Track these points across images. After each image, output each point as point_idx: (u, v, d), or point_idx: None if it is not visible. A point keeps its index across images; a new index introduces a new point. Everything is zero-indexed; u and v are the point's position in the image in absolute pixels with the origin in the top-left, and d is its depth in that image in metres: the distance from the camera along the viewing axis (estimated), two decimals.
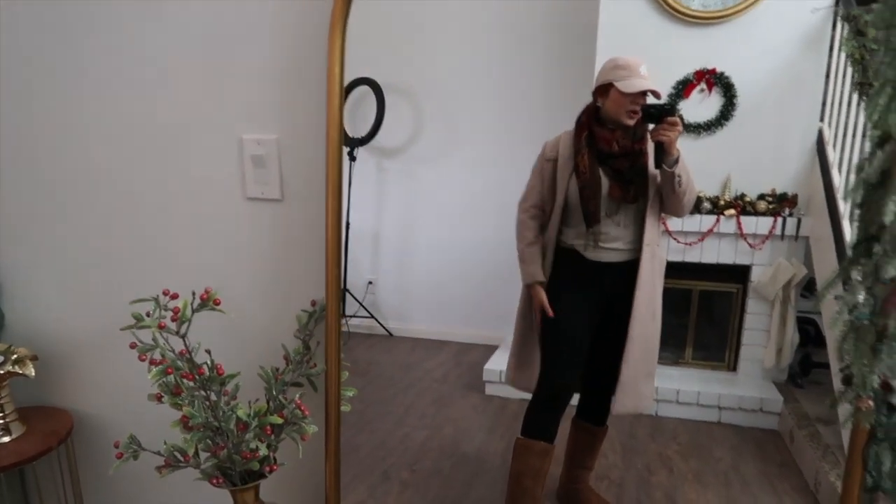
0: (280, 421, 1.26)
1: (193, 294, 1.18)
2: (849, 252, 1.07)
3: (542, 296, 2.01)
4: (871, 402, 1.05)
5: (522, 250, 2.08)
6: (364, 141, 3.42)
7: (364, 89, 3.34)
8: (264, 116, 1.37)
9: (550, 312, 1.98)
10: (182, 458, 1.23)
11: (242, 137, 1.39)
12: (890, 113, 0.97)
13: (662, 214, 2.04)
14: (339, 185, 1.24)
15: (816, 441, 2.49)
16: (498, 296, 3.28)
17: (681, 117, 2.98)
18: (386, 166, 3.91)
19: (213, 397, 1.25)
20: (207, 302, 1.18)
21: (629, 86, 1.85)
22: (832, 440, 2.46)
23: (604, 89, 1.90)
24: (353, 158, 3.46)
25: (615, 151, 1.90)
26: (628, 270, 1.95)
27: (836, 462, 2.30)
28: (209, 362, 1.23)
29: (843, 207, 2.51)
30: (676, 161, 1.84)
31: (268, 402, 1.30)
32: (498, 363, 3.22)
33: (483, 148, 3.54)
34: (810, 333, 3.14)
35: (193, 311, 1.19)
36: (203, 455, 1.27)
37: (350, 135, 3.39)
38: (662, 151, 1.83)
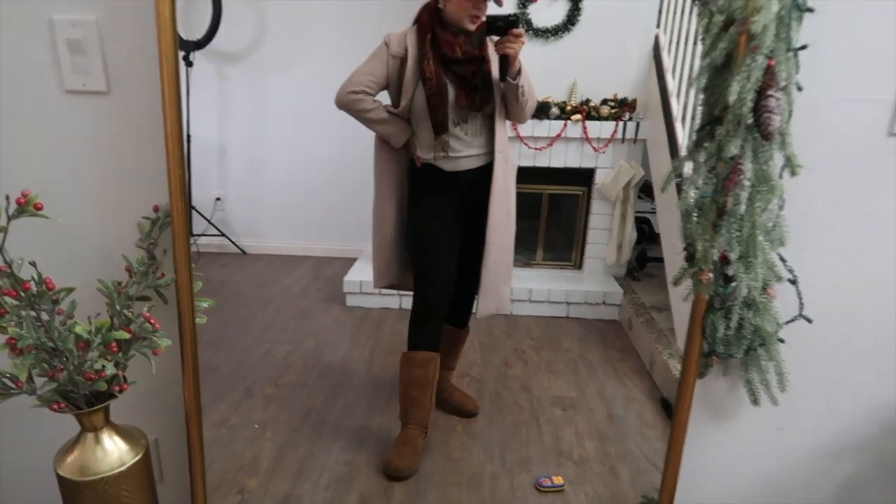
0: (127, 336, 1.15)
1: (7, 199, 1.02)
2: (694, 136, 1.13)
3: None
4: (710, 275, 1.14)
5: (371, 116, 1.88)
6: (200, 44, 3.11)
7: None
8: None
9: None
10: (13, 385, 1.10)
11: (53, 18, 1.19)
12: None
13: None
14: (176, 71, 1.10)
15: (651, 326, 2.74)
16: (355, 207, 3.22)
17: (529, 22, 3.02)
18: (228, 73, 3.63)
19: (46, 316, 1.11)
20: (26, 207, 1.02)
21: None
22: (665, 324, 2.72)
23: None
24: (189, 63, 3.15)
25: (459, 56, 1.85)
26: (483, 176, 1.96)
27: (668, 343, 2.55)
28: (35, 276, 1.09)
29: (676, 109, 2.68)
30: (519, 72, 1.83)
31: (111, 318, 1.18)
32: (358, 274, 3.21)
33: (333, 53, 3.38)
34: (645, 231, 3.42)
35: (10, 219, 1.03)
36: (40, 380, 1.14)
37: (184, 37, 3.07)
38: (507, 63, 1.81)
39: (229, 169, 3.72)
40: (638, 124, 3.06)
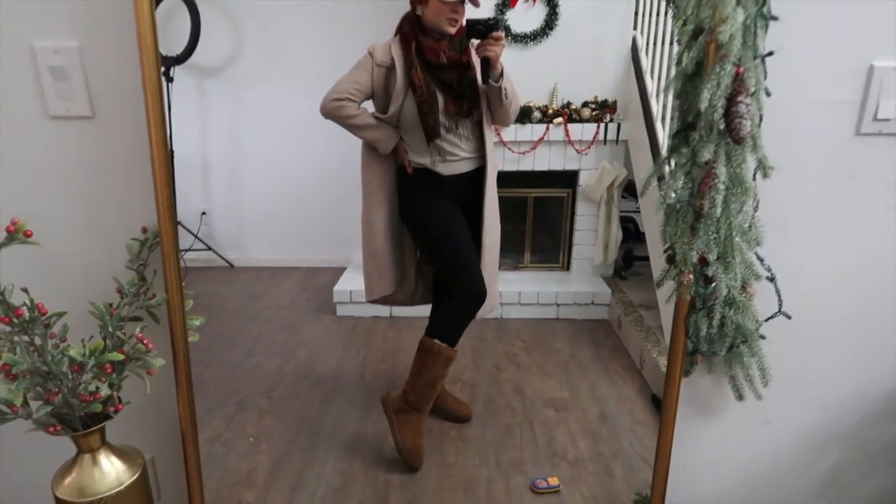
0: (121, 357, 1.17)
1: None
2: (669, 142, 1.17)
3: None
4: (691, 277, 1.17)
5: (356, 122, 1.90)
6: (180, 59, 3.13)
7: (172, 2, 3.04)
8: (59, 20, 1.19)
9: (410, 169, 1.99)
10: (9, 410, 1.11)
11: (34, 45, 1.20)
12: (701, 8, 1.05)
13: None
14: (160, 94, 1.12)
15: (640, 325, 2.78)
16: (341, 217, 3.24)
17: (508, 28, 3.05)
18: (207, 87, 3.63)
19: (39, 341, 1.12)
20: (16, 234, 1.04)
21: None
22: (653, 322, 2.76)
23: None
24: (169, 79, 3.16)
25: (443, 63, 1.88)
26: (472, 178, 1.99)
27: (656, 341, 2.59)
28: (28, 302, 1.10)
29: (656, 110, 2.72)
30: (502, 75, 1.87)
31: (104, 340, 1.19)
32: (347, 284, 3.22)
33: (313, 62, 3.39)
34: (631, 230, 3.45)
35: (0, 247, 1.04)
36: (35, 403, 1.15)
37: (164, 53, 3.08)
38: (488, 66, 1.84)
39: (213, 183, 3.72)
40: (619, 125, 3.10)
